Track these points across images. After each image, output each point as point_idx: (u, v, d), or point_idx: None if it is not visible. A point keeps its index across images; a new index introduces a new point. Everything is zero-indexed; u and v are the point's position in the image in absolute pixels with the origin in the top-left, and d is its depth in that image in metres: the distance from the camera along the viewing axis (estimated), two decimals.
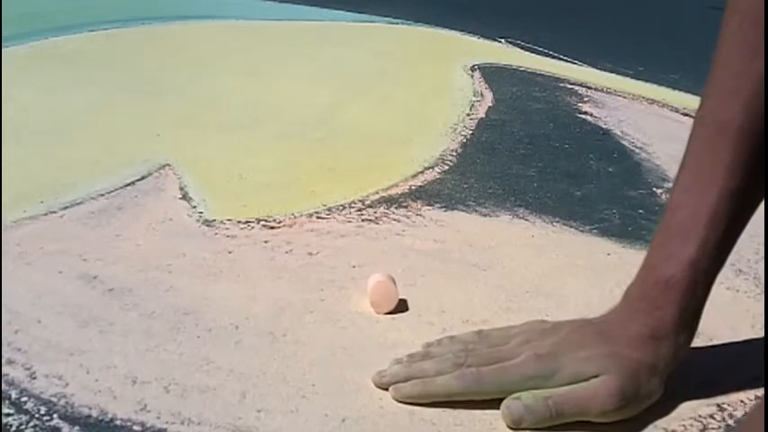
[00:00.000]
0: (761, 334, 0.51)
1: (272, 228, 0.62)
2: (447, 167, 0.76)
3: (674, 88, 1.12)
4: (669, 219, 0.44)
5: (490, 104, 0.97)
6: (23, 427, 0.39)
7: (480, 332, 0.47)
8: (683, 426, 0.42)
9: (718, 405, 0.44)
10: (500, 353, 0.44)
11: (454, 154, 0.80)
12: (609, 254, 0.62)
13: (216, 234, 0.60)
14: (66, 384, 0.42)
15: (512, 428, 0.41)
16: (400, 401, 0.42)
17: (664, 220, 0.45)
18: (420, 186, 0.71)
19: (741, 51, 0.42)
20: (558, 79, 1.12)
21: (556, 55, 1.27)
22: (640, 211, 0.70)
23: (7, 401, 0.40)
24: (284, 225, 0.62)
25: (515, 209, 0.69)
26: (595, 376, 0.41)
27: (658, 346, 0.42)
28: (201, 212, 0.63)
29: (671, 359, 0.43)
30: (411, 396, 0.42)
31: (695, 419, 0.43)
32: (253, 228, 0.61)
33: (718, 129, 0.42)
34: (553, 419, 0.41)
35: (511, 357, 0.43)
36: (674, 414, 0.43)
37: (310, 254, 0.58)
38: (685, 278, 0.42)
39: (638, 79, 1.16)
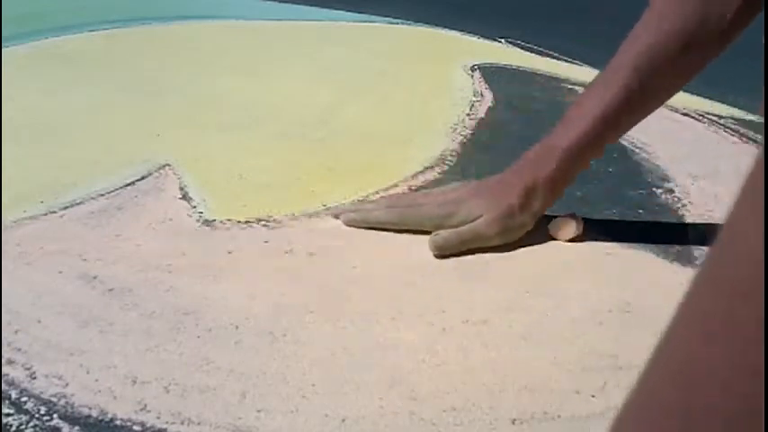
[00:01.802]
0: None
1: (272, 228, 0.62)
2: (447, 167, 0.76)
3: None
4: (573, 106, 0.60)
5: (490, 104, 0.97)
6: (23, 427, 0.39)
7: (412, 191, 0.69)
8: None
9: None
10: (419, 200, 0.63)
11: (454, 154, 0.80)
12: (609, 254, 0.62)
13: (216, 234, 0.60)
14: (66, 384, 0.42)
15: (436, 254, 0.59)
16: (348, 225, 0.62)
17: (572, 105, 0.61)
18: (420, 186, 0.71)
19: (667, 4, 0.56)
20: (558, 79, 1.12)
21: (556, 55, 1.27)
22: (640, 211, 0.70)
23: (7, 401, 0.40)
24: (284, 225, 0.62)
25: None
26: (481, 216, 0.59)
27: (531, 194, 0.60)
28: (201, 212, 0.63)
29: (542, 204, 0.60)
30: (351, 220, 0.62)
31: None
32: (253, 228, 0.61)
33: (620, 61, 0.58)
34: (461, 246, 0.59)
35: (426, 204, 0.62)
36: None
37: (310, 254, 0.58)
38: (568, 149, 0.59)
39: None
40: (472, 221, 0.60)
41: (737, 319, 0.16)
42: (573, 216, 0.63)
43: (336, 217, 0.63)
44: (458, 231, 0.59)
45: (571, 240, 0.63)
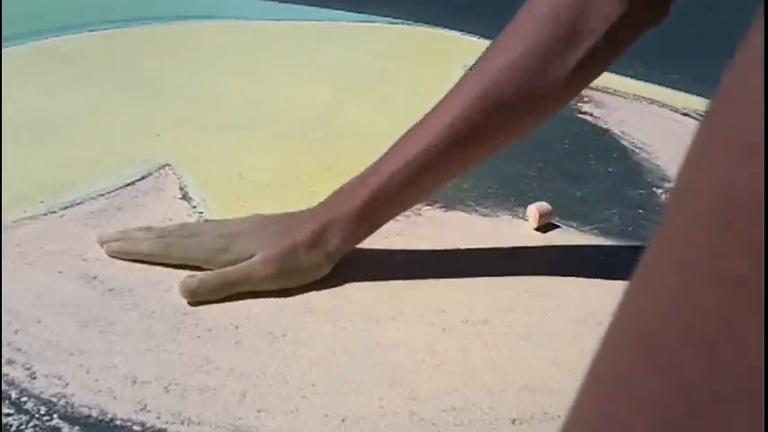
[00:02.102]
0: None
1: None
2: None
3: (674, 88, 1.12)
4: (397, 142, 0.54)
5: None
6: (23, 427, 0.39)
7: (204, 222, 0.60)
8: None
9: None
10: (195, 231, 0.54)
11: None
12: (609, 254, 0.62)
13: None
14: (66, 384, 0.42)
15: (189, 301, 0.50)
16: (111, 256, 0.54)
17: (398, 140, 0.54)
18: None
19: (510, 33, 0.51)
20: None
21: None
22: (640, 211, 0.71)
23: (7, 401, 0.40)
24: None
25: (515, 209, 0.69)
26: (255, 254, 0.52)
27: (326, 232, 0.53)
28: (201, 212, 0.63)
29: (339, 243, 0.53)
30: (113, 251, 0.54)
31: None
32: None
33: (453, 98, 0.52)
34: (224, 289, 0.51)
35: (202, 235, 0.54)
36: None
37: None
38: (378, 188, 0.52)
39: (638, 79, 1.16)
40: (246, 260, 0.52)
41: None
42: (543, 204, 0.65)
43: (101, 245, 0.55)
44: (220, 272, 0.51)
45: (541, 228, 0.65)
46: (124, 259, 0.54)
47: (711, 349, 0.16)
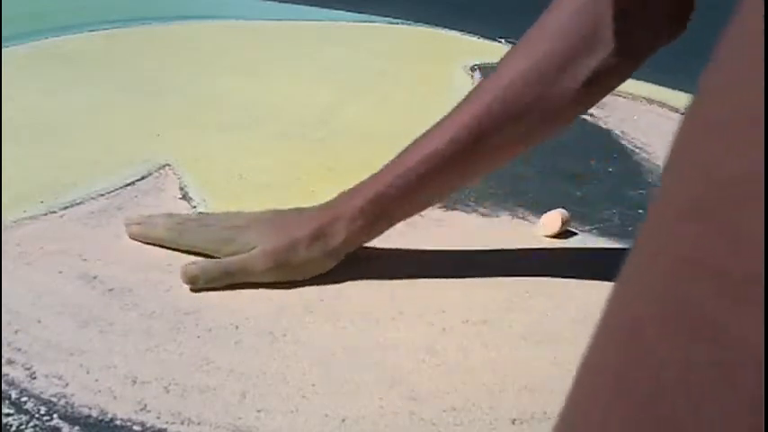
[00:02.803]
0: None
1: None
2: None
3: (674, 88, 1.12)
4: (407, 147, 0.54)
5: None
6: (23, 427, 0.39)
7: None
8: None
9: None
10: (211, 221, 0.56)
11: None
12: (609, 254, 0.62)
13: None
14: (66, 384, 0.42)
15: (191, 287, 0.52)
16: (132, 238, 0.57)
17: (408, 146, 0.54)
18: None
19: (530, 39, 0.51)
20: None
21: None
22: (640, 211, 0.70)
23: (7, 401, 0.40)
24: None
25: (515, 209, 0.69)
26: (255, 247, 0.53)
27: (326, 230, 0.53)
28: (201, 213, 0.63)
29: (342, 240, 0.54)
30: (133, 234, 0.57)
31: None
32: None
33: (459, 113, 0.52)
34: (224, 278, 0.52)
35: (212, 226, 0.56)
36: None
37: None
38: (380, 192, 0.53)
39: (638, 79, 1.16)
40: (248, 252, 0.53)
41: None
42: (558, 211, 0.64)
43: (126, 227, 0.58)
44: (221, 262, 0.53)
45: (558, 236, 0.63)
46: (141, 242, 0.57)
47: (691, 343, 0.15)
